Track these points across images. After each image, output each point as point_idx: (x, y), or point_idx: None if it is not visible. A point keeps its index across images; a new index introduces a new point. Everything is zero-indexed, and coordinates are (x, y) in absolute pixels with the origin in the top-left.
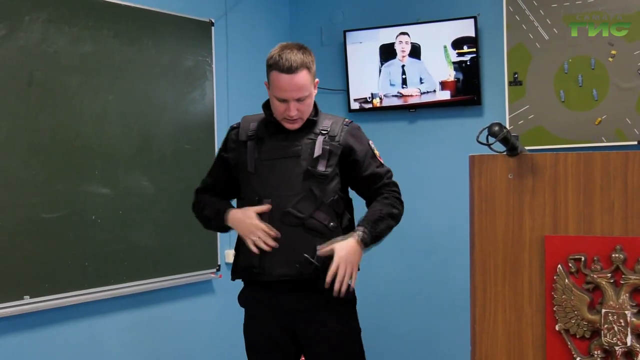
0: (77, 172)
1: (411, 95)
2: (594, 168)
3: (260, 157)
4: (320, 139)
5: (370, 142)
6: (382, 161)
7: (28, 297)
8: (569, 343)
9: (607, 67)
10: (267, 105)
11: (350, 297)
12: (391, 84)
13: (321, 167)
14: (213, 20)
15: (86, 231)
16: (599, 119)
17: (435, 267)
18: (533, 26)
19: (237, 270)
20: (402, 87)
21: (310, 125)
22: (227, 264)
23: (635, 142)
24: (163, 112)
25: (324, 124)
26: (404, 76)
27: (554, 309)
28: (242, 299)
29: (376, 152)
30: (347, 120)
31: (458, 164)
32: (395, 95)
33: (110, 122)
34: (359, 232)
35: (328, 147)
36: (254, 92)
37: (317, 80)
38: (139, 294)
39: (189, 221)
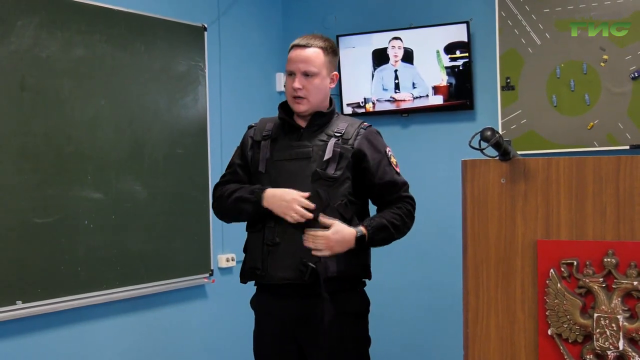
0: (69, 176)
1: (404, 100)
2: (586, 173)
3: (272, 157)
4: (332, 141)
5: (388, 149)
6: (398, 170)
7: (20, 302)
8: (561, 347)
9: (599, 72)
10: (282, 105)
11: (359, 307)
12: (384, 89)
13: (331, 170)
14: (206, 25)
15: (79, 236)
16: (591, 123)
17: (428, 271)
18: (525, 31)
19: (244, 272)
20: (395, 92)
21: (323, 125)
22: (220, 268)
23: (627, 147)
24: (156, 117)
25: (340, 126)
26: (396, 81)
27: (547, 313)
28: (253, 303)
29: (393, 159)
30: (365, 123)
31: (451, 168)
32: (388, 100)
33: (103, 126)
34: (361, 230)
35: (339, 150)
36: (247, 97)
37: (335, 73)
38: (131, 299)
39: (182, 226)
